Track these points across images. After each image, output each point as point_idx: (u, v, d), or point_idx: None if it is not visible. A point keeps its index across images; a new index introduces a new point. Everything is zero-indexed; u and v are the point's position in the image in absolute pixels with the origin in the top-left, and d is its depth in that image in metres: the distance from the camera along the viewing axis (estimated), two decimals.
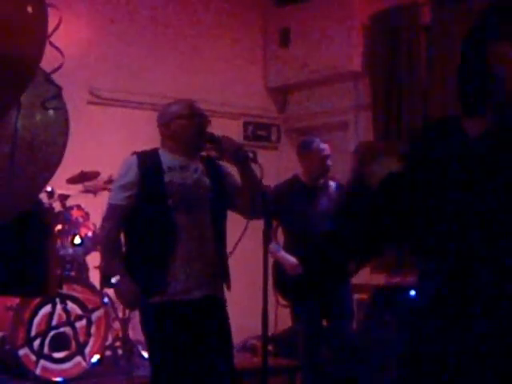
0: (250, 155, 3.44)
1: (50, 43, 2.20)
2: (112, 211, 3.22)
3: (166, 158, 3.24)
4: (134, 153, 3.27)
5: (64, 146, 2.40)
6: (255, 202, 3.24)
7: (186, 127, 3.26)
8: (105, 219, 3.27)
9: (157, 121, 3.35)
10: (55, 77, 2.42)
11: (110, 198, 3.29)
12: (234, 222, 3.39)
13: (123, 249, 3.34)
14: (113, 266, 3.27)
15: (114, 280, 3.19)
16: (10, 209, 2.39)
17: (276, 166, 6.20)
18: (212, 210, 3.24)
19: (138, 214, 3.19)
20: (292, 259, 4.38)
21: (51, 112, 2.31)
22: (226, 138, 3.25)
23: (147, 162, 3.22)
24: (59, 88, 2.36)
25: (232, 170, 3.39)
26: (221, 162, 3.44)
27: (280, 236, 4.60)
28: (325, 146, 4.57)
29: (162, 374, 3.18)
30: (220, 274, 3.30)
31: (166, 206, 3.14)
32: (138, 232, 3.22)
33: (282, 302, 4.62)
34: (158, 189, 3.16)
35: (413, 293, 4.19)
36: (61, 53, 2.25)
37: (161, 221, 3.16)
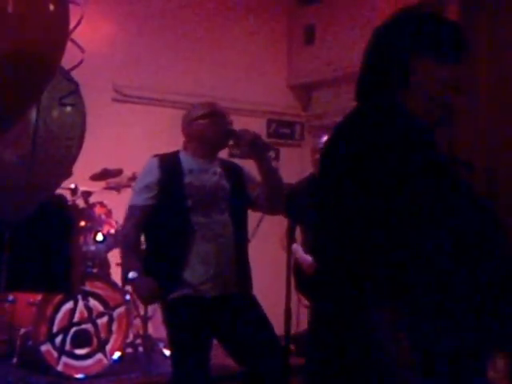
0: (271, 147, 3.44)
1: (72, 40, 2.19)
2: (132, 212, 3.29)
3: (186, 161, 3.30)
4: (156, 155, 3.33)
5: (81, 141, 2.39)
6: (274, 196, 3.25)
7: (208, 127, 3.30)
8: (125, 219, 3.35)
9: (181, 123, 3.41)
10: (80, 74, 2.42)
11: (131, 199, 3.35)
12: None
13: (143, 247, 3.40)
14: (131, 263, 3.31)
15: (131, 275, 3.24)
16: (29, 204, 2.39)
17: (299, 164, 6.17)
18: (232, 212, 3.27)
19: (158, 214, 3.24)
20: (309, 258, 4.35)
21: (68, 108, 2.30)
22: (243, 130, 3.27)
23: (168, 163, 3.28)
24: (76, 84, 2.35)
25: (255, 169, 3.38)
26: (240, 164, 3.47)
27: (298, 234, 4.57)
28: None
29: (181, 369, 3.19)
30: (243, 274, 3.30)
31: (185, 207, 3.19)
32: (157, 231, 3.28)
33: (305, 302, 4.59)
34: (178, 190, 3.21)
35: None
36: (81, 49, 2.24)
37: (178, 220, 3.20)
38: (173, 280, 3.17)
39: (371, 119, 1.57)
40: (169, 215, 3.22)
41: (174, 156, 3.33)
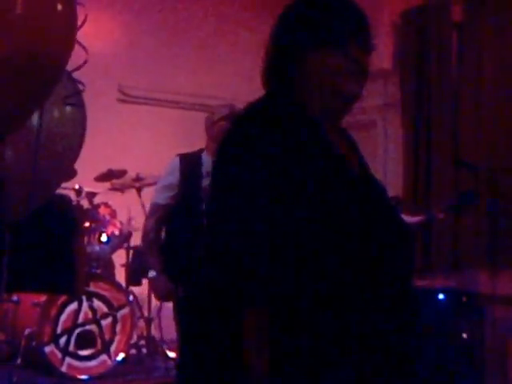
0: None
1: (76, 41, 2.19)
2: (153, 210, 3.45)
3: (207, 162, 3.37)
4: (178, 154, 3.44)
5: (81, 141, 2.39)
6: None
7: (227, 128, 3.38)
8: (146, 217, 3.51)
9: (204, 124, 3.53)
10: (85, 75, 2.41)
11: (152, 197, 3.51)
12: None
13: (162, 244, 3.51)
14: (150, 261, 3.46)
15: (150, 274, 3.39)
16: (30, 203, 2.39)
17: None
18: None
19: (174, 214, 3.37)
20: None
21: (68, 108, 2.31)
22: None
23: (188, 165, 3.39)
24: (83, 85, 2.35)
25: None
26: None
27: None
28: None
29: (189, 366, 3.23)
30: None
31: (199, 210, 3.27)
32: (173, 230, 3.40)
33: None
34: (195, 193, 3.32)
35: (441, 296, 4.13)
36: (85, 50, 2.24)
37: (192, 222, 3.27)
38: (183, 277, 3.23)
39: (258, 122, 1.57)
40: (184, 217, 3.32)
41: (197, 156, 3.43)
